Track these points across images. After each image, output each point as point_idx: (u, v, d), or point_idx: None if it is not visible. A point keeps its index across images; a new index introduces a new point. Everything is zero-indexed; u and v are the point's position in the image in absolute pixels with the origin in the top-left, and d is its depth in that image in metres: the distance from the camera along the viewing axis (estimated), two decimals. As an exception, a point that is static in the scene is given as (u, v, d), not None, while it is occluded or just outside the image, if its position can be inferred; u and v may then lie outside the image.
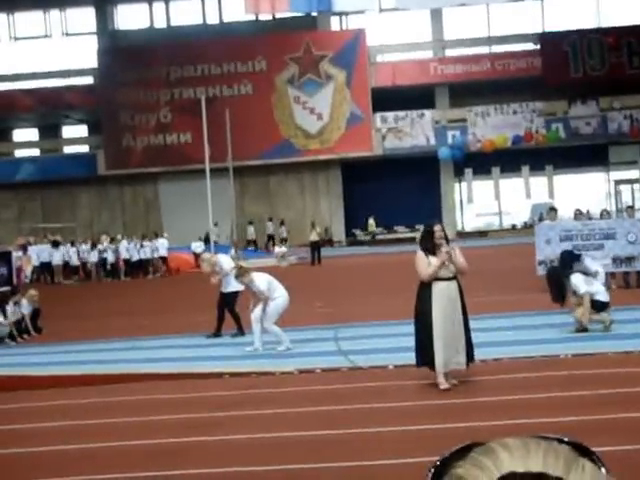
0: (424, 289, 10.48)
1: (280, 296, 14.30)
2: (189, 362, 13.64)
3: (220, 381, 12.15)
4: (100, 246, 37.61)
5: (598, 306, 13.94)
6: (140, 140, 48.87)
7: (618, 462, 6.31)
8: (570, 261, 15.24)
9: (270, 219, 46.75)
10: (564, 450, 0.95)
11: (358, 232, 48.25)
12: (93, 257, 37.36)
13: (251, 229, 46.46)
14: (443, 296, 10.35)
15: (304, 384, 11.65)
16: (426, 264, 10.38)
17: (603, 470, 0.95)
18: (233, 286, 16.13)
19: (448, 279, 10.41)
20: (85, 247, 38.11)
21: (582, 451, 0.96)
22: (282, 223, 45.47)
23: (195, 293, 24.80)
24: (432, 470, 0.98)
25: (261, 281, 14.39)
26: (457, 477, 0.95)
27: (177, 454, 8.63)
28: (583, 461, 0.94)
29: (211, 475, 7.89)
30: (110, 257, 36.96)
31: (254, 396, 11.03)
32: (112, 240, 38.50)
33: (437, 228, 10.57)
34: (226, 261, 17.25)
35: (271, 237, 45.38)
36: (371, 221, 47.89)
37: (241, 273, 14.72)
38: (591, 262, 16.17)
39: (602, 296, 14.06)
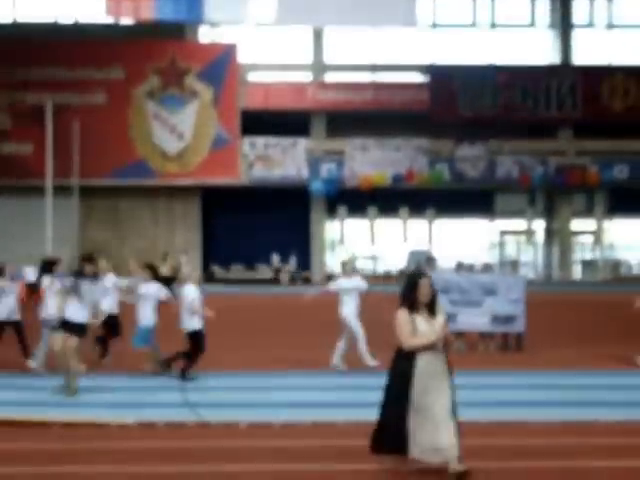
0: (403, 358, 9.57)
1: None
2: (9, 407, 13.39)
3: (49, 431, 11.98)
4: None
5: None
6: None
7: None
8: None
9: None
10: None
11: (217, 269, 48.12)
12: None
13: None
14: (427, 371, 9.45)
15: (144, 439, 11.62)
16: (409, 329, 9.48)
17: None
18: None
19: (434, 350, 9.51)
20: None
21: None
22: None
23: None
24: None
25: None
26: None
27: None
28: None
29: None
30: None
31: (87, 451, 10.95)
32: None
33: (424, 282, 9.64)
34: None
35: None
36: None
37: None
38: None
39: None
